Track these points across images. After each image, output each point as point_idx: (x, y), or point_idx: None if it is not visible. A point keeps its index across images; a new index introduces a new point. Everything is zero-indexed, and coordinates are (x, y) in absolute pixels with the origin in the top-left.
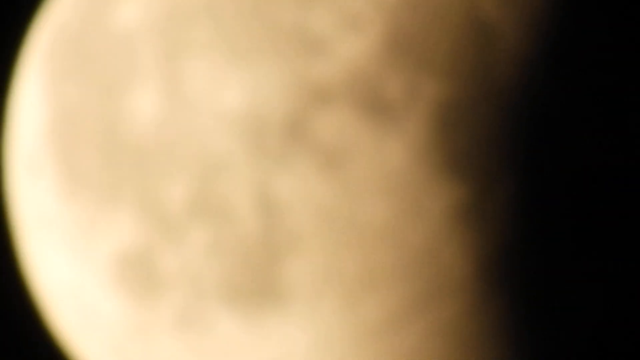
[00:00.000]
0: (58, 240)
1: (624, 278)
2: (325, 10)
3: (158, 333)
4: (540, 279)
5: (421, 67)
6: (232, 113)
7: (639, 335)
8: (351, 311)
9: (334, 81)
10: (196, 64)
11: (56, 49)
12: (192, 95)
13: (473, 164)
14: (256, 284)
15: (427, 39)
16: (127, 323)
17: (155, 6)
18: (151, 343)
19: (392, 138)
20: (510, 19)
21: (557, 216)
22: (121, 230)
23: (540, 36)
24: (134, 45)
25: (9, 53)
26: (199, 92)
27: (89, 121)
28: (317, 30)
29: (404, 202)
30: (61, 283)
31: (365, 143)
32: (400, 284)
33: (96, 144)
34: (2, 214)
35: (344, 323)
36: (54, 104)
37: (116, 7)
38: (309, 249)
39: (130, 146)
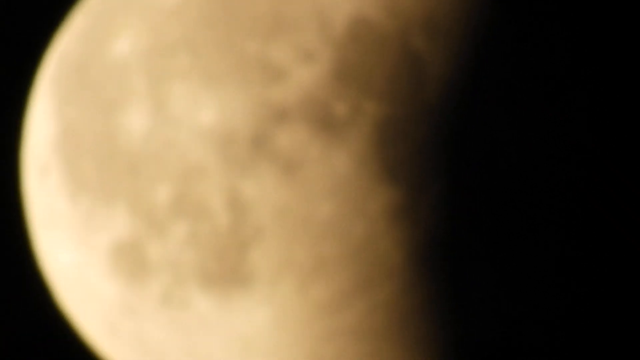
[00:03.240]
0: (63, 233)
1: (531, 265)
2: (283, 44)
3: (145, 311)
4: (461, 267)
5: (362, 90)
6: (207, 128)
7: (545, 310)
8: (304, 292)
9: (290, 102)
10: (177, 87)
11: (61, 76)
12: (174, 113)
13: (406, 171)
14: (226, 269)
15: (367, 67)
16: (120, 302)
17: (143, 40)
18: (140, 319)
19: (338, 149)
20: (436, 50)
21: (476, 215)
22: (115, 225)
23: (461, 64)
24: (126, 72)
25: (26, 79)
26: (179, 111)
27: (89, 135)
28: (277, 60)
29: (347, 202)
30: (66, 269)
31: (316, 153)
32: (345, 269)
33: (94, 153)
34: (19, 210)
35: (298, 302)
36: (59, 120)
37: (111, 40)
38: (269, 240)
39: (122, 155)
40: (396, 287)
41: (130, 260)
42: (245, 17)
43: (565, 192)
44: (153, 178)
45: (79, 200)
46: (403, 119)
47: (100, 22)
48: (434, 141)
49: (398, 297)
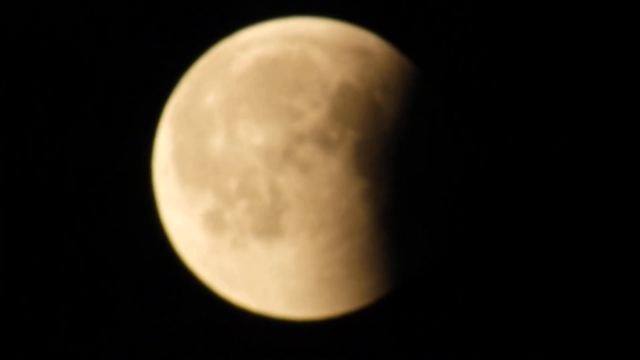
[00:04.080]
0: (176, 208)
1: (440, 223)
2: (301, 97)
3: (223, 251)
4: (403, 225)
5: (346, 124)
6: (257, 146)
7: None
8: (313, 239)
9: (305, 131)
10: (241, 122)
11: (175, 116)
12: (239, 137)
13: (371, 170)
14: (268, 227)
15: (349, 111)
16: (208, 246)
17: (221, 96)
18: (219, 256)
19: (333, 158)
20: (388, 101)
21: (411, 195)
22: (206, 202)
23: (402, 109)
24: (212, 114)
25: (155, 118)
26: (242, 136)
27: (190, 150)
28: (297, 107)
29: (338, 189)
30: (178, 228)
31: (320, 161)
32: (336, 227)
33: (194, 161)
34: (151, 194)
35: (310, 245)
36: (174, 142)
37: (203, 96)
38: (293, 211)
39: (210, 162)
40: (366, 237)
41: (214, 222)
42: (280, 82)
43: (454, 181)
44: (227, 175)
45: (185, 189)
46: (369, 141)
47: (196, 85)
48: (387, 153)
49: (367, 242)
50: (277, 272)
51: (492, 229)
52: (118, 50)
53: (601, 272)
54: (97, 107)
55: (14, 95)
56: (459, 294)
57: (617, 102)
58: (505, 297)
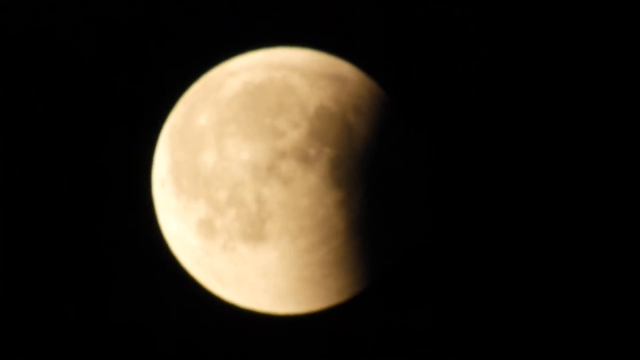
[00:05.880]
0: (172, 215)
1: (404, 230)
2: (283, 118)
3: (214, 254)
4: (374, 231)
5: (323, 142)
6: (245, 162)
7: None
8: (294, 243)
9: (287, 148)
10: (230, 141)
11: (172, 134)
12: (228, 154)
13: (345, 182)
14: (254, 232)
15: (325, 130)
16: (201, 250)
17: (212, 117)
18: (211, 258)
19: (311, 172)
20: (360, 122)
21: (380, 204)
22: (199, 210)
23: (372, 129)
24: (204, 133)
25: (154, 137)
26: (231, 153)
27: (185, 165)
28: (280, 127)
29: (315, 199)
30: (174, 233)
31: (300, 174)
32: (314, 232)
33: (188, 174)
34: (151, 203)
35: (291, 248)
36: (171, 157)
37: (196, 117)
38: (276, 218)
39: (202, 176)
40: (341, 241)
41: (206, 228)
42: (264, 105)
43: (420, 192)
44: (217, 187)
45: (180, 198)
46: (343, 157)
47: (190, 107)
48: (358, 167)
49: (341, 246)
50: (262, 272)
51: (485, 233)
52: (122, 76)
53: (594, 277)
54: (105, 126)
55: (16, 106)
56: (450, 296)
57: (617, 105)
58: (498, 301)
